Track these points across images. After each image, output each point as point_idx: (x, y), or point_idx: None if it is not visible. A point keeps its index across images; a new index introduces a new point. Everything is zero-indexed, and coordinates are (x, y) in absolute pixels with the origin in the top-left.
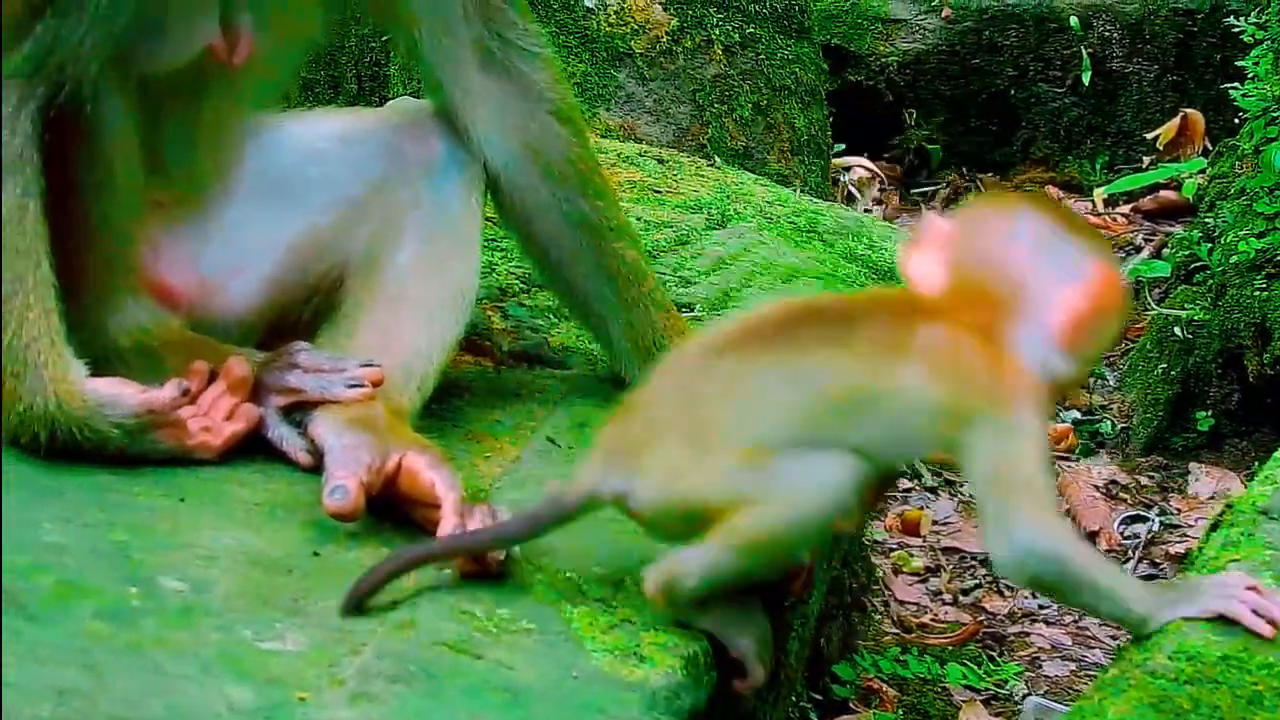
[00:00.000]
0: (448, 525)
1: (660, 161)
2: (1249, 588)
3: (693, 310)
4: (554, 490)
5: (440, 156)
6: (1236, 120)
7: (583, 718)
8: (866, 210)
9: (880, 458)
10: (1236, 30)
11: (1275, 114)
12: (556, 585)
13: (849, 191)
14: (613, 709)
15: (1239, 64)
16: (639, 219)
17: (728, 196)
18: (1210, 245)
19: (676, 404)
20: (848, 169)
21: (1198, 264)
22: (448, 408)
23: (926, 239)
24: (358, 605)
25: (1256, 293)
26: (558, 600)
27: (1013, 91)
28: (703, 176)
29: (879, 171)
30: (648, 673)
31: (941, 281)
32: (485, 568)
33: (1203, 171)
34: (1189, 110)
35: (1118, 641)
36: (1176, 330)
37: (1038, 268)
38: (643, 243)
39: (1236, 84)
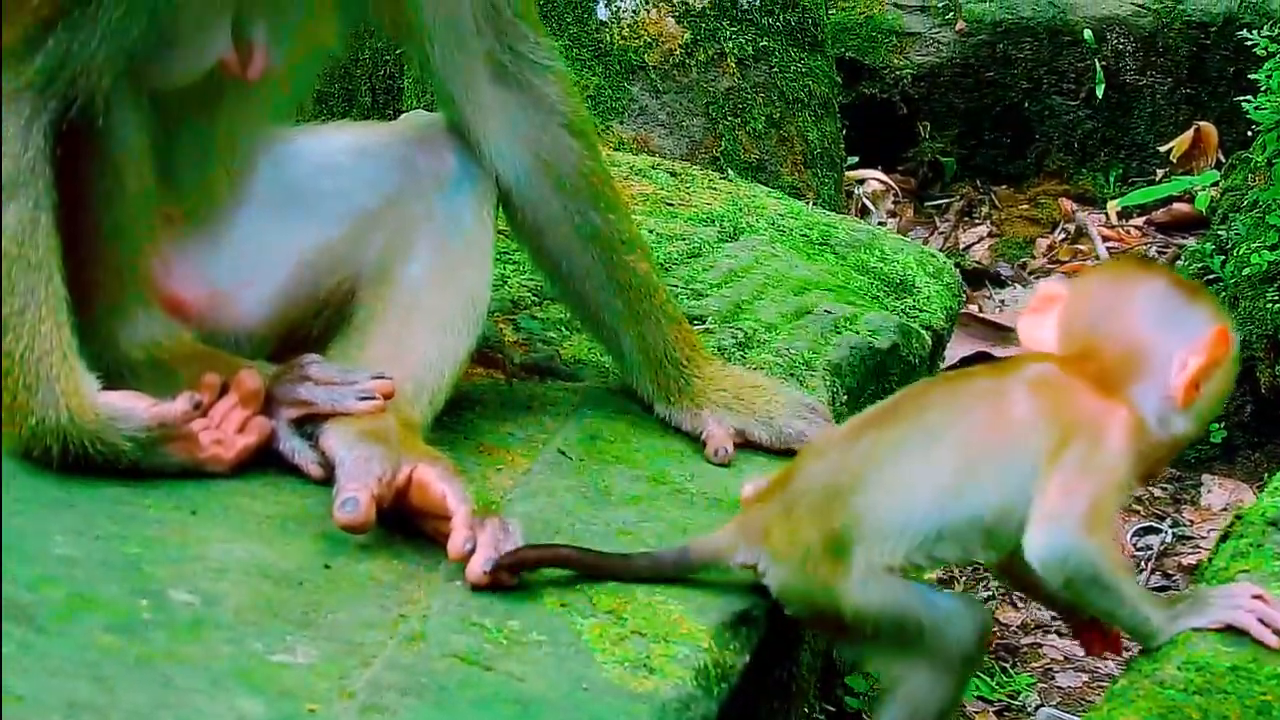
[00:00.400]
0: (458, 538)
1: (673, 174)
2: (1255, 597)
3: (704, 322)
4: (690, 544)
5: (453, 170)
6: (1249, 133)
7: None
8: (880, 223)
9: (1008, 526)
10: (1249, 44)
11: None
12: (567, 597)
13: (863, 204)
14: (623, 719)
15: (1252, 77)
16: (651, 231)
17: (740, 209)
18: (1223, 258)
19: (816, 487)
20: (861, 182)
21: (1210, 276)
22: (459, 420)
23: (1040, 303)
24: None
25: (1269, 305)
26: (568, 612)
27: (1026, 104)
28: (715, 189)
29: (893, 184)
30: (658, 684)
31: (1056, 343)
32: (497, 580)
33: (1216, 184)
34: (1202, 123)
35: (1129, 652)
36: None
37: (1156, 329)
38: (655, 255)
39: (1249, 97)
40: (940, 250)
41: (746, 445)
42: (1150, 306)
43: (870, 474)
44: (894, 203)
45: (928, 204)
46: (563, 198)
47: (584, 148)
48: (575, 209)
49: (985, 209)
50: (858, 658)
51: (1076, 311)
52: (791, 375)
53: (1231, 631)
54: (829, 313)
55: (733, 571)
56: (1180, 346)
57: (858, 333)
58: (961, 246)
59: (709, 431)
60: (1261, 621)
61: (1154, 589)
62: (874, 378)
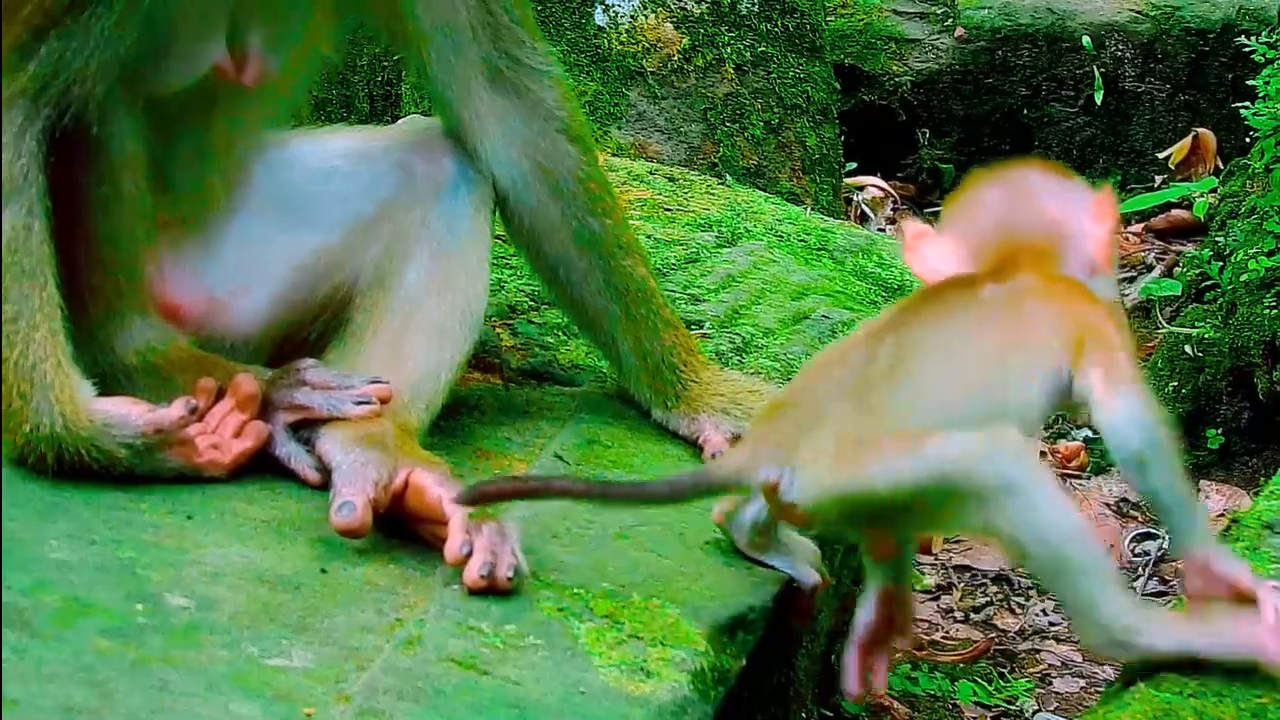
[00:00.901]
0: (455, 542)
1: (671, 180)
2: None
3: (702, 327)
4: (706, 466)
5: (450, 175)
6: (1248, 139)
7: None
8: (880, 229)
9: (1030, 418)
10: (1248, 50)
11: None
12: (564, 601)
13: (862, 211)
14: None
15: (1250, 83)
16: (649, 237)
17: (738, 214)
18: (1221, 264)
19: (828, 396)
20: (861, 188)
21: (1208, 282)
22: (456, 425)
23: (915, 240)
24: (474, 500)
25: (1267, 311)
26: (565, 616)
27: (1025, 111)
28: (713, 194)
29: (892, 191)
30: (655, 687)
31: (965, 263)
32: (494, 584)
33: (1214, 190)
34: (1200, 129)
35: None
36: (1187, 348)
37: (1060, 212)
38: (652, 261)
39: (1248, 103)
40: None
41: None
42: (1043, 195)
43: (900, 374)
44: (893, 209)
45: (927, 210)
46: (560, 203)
47: (581, 153)
48: (573, 214)
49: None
50: (906, 538)
51: (977, 227)
52: (789, 380)
53: None
54: (826, 317)
55: (752, 489)
56: (1085, 217)
57: None
58: None
59: (706, 436)
60: None
61: (1150, 594)
62: None
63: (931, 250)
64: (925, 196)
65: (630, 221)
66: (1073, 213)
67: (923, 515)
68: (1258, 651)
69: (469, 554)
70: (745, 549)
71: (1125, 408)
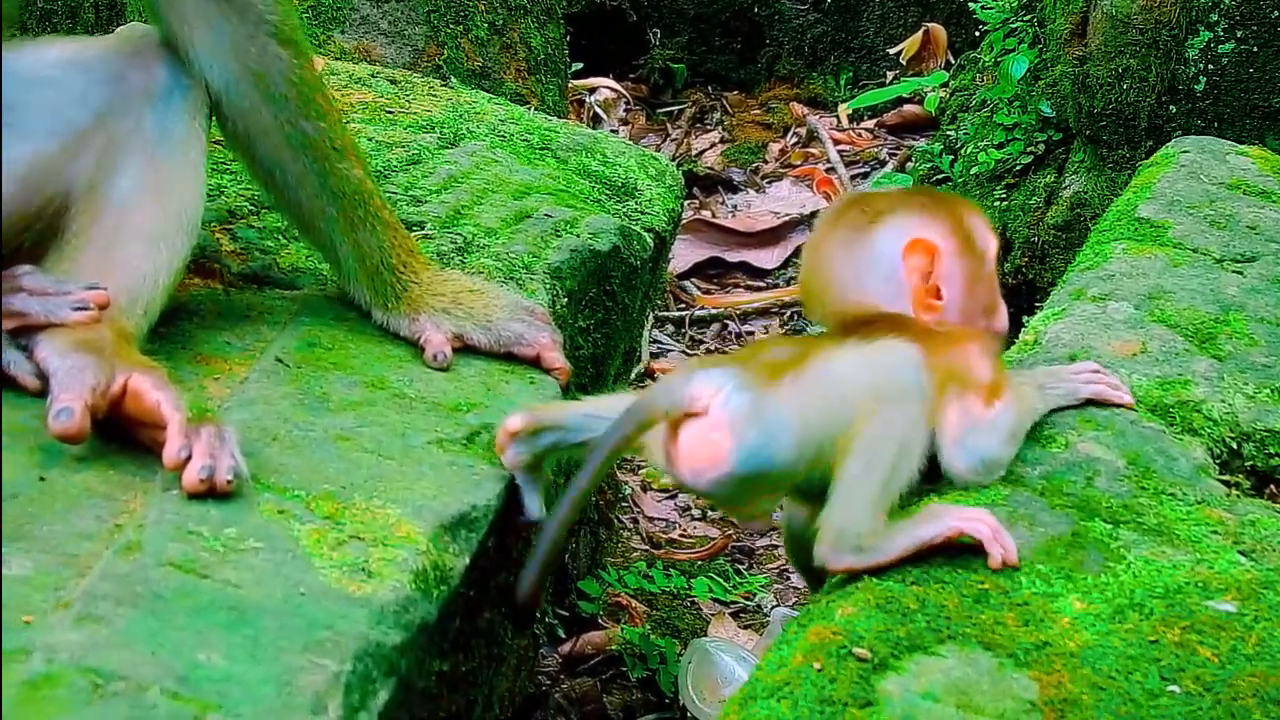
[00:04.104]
0: (173, 445)
1: (393, 82)
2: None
3: (424, 228)
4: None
5: (162, 83)
6: (977, 33)
7: (310, 633)
8: (613, 131)
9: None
10: None
11: (1014, 26)
12: (284, 504)
13: (594, 112)
14: (340, 624)
15: None
16: (370, 139)
17: (460, 115)
18: (952, 157)
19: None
20: (593, 90)
21: (940, 176)
22: (176, 331)
23: None
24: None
25: (997, 203)
26: (285, 518)
27: (756, 9)
28: (435, 96)
29: (624, 92)
30: (376, 587)
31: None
32: (213, 487)
33: (945, 85)
34: (931, 24)
35: None
36: None
37: (870, 277)
38: (374, 163)
39: None
40: (673, 157)
41: (465, 349)
42: (850, 258)
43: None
44: (626, 110)
45: (659, 111)
46: (272, 107)
47: (293, 56)
48: (285, 118)
49: (717, 115)
50: None
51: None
52: (511, 279)
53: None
54: (549, 216)
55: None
56: (895, 270)
57: (578, 236)
58: (694, 153)
59: (427, 336)
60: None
61: None
62: (595, 280)
63: None
64: (658, 96)
65: (348, 124)
66: (884, 268)
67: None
68: (967, 527)
69: (188, 458)
70: (514, 465)
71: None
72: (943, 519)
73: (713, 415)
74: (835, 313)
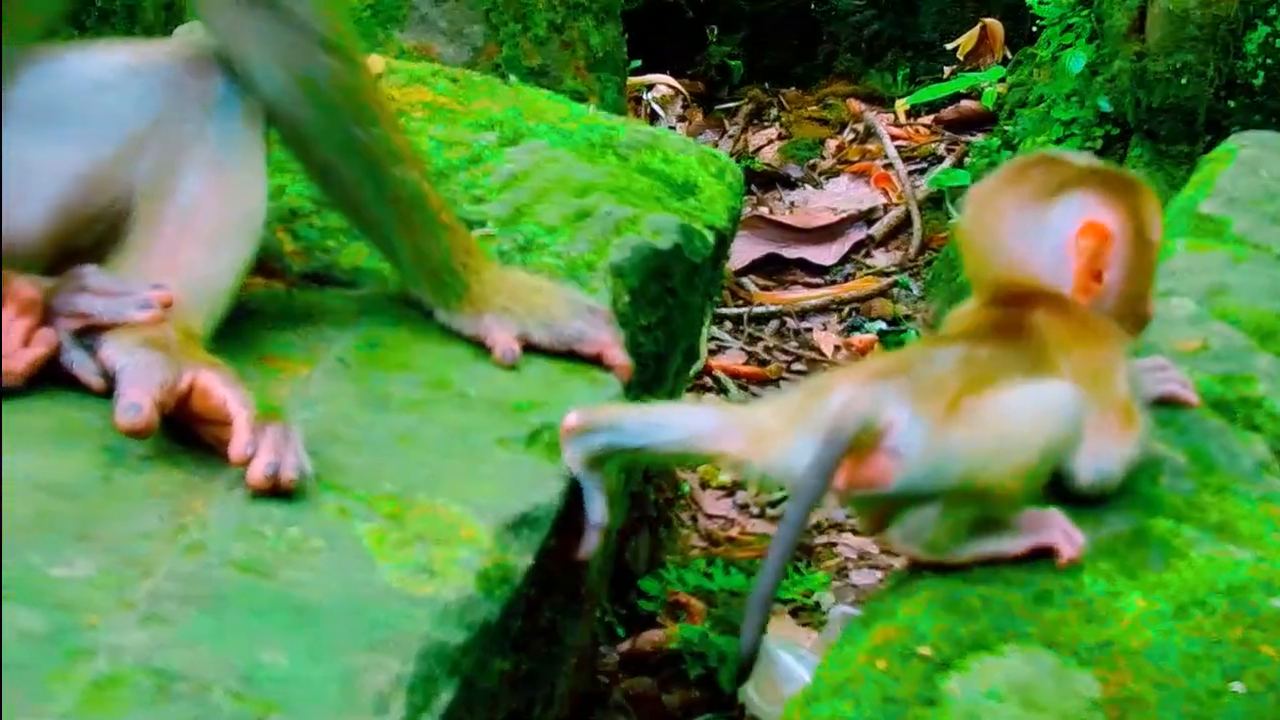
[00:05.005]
0: (240, 441)
1: (453, 80)
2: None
3: (485, 227)
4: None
5: (220, 89)
6: (1034, 29)
7: (373, 633)
8: (671, 127)
9: None
10: None
11: (1071, 21)
12: (347, 503)
13: (652, 109)
14: (403, 624)
15: None
16: (431, 138)
17: (521, 114)
18: (1010, 153)
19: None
20: (650, 87)
21: None
22: (239, 331)
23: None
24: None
25: None
26: (348, 518)
27: (813, 5)
28: (496, 95)
29: (681, 89)
30: (439, 587)
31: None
32: (278, 484)
33: (1002, 80)
34: (988, 20)
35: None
36: None
37: (1039, 245)
38: (434, 162)
39: None
40: (730, 153)
41: (527, 348)
42: (1022, 223)
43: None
44: (683, 107)
45: (717, 108)
46: (323, 115)
47: (340, 62)
48: (337, 125)
49: (774, 111)
50: None
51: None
52: (573, 277)
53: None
54: (610, 214)
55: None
56: (1066, 247)
57: (639, 234)
58: (751, 149)
59: (493, 336)
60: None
61: None
62: (656, 278)
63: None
64: (714, 93)
65: (408, 124)
66: (1058, 243)
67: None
68: (1051, 543)
69: (254, 454)
70: (573, 464)
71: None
72: (1022, 536)
73: (889, 443)
74: (992, 276)
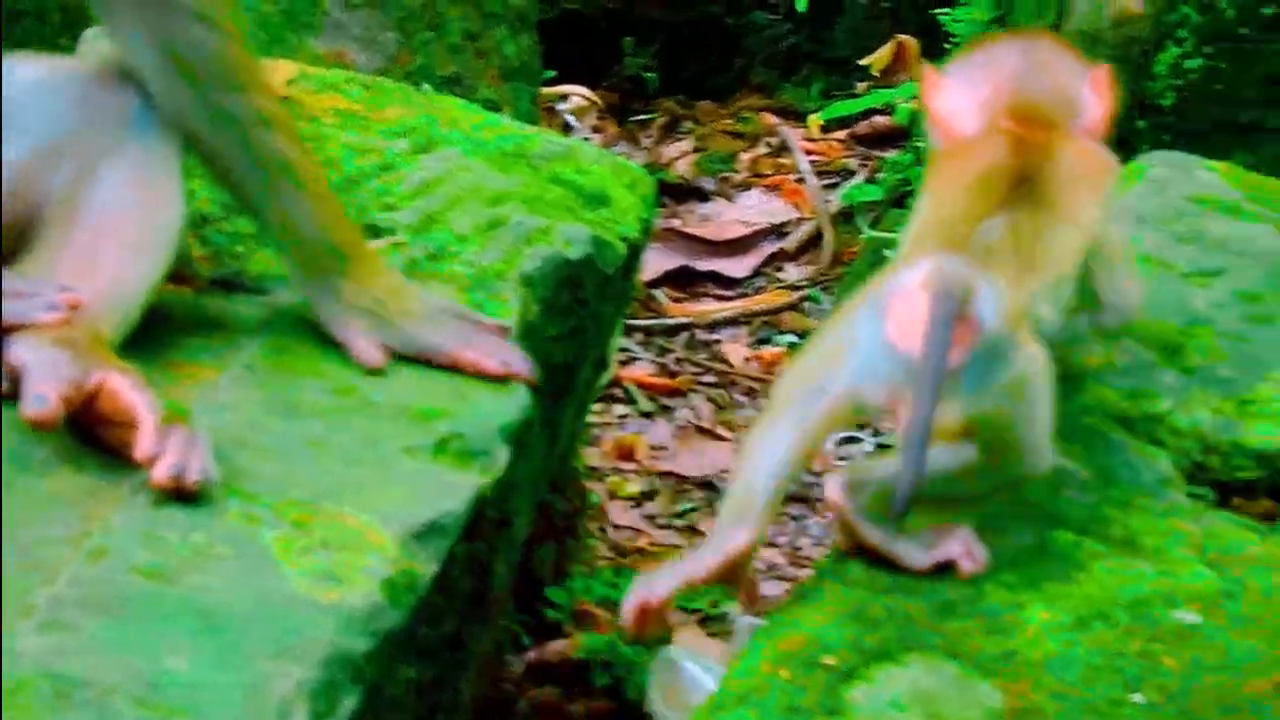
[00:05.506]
0: (146, 442)
1: (366, 88)
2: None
3: (395, 234)
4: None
5: (137, 103)
6: (948, 45)
7: (278, 640)
8: (585, 138)
9: None
10: None
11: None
12: (253, 509)
13: (566, 120)
14: (308, 631)
15: None
16: (343, 145)
17: (434, 122)
18: (921, 169)
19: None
20: (564, 97)
21: (909, 188)
22: (147, 336)
23: (936, 81)
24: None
25: None
26: (254, 524)
27: (729, 18)
28: (408, 102)
29: (596, 100)
30: (345, 594)
31: (974, 113)
32: (181, 485)
33: (915, 97)
34: (902, 36)
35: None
36: (888, 252)
37: (1071, 82)
38: (345, 169)
39: (947, 9)
40: (644, 165)
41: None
42: (1057, 64)
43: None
44: (597, 118)
45: (631, 119)
46: (193, 85)
47: (209, 32)
48: (208, 94)
49: (689, 123)
50: None
51: (992, 85)
52: (483, 286)
53: None
54: (522, 224)
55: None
56: (1087, 91)
57: (551, 244)
58: (665, 161)
59: (354, 340)
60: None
61: None
62: (567, 288)
63: (950, 96)
64: (629, 104)
65: (277, 96)
66: (1080, 84)
67: None
68: (953, 558)
69: (159, 456)
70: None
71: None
72: (927, 552)
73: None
74: (1004, 104)
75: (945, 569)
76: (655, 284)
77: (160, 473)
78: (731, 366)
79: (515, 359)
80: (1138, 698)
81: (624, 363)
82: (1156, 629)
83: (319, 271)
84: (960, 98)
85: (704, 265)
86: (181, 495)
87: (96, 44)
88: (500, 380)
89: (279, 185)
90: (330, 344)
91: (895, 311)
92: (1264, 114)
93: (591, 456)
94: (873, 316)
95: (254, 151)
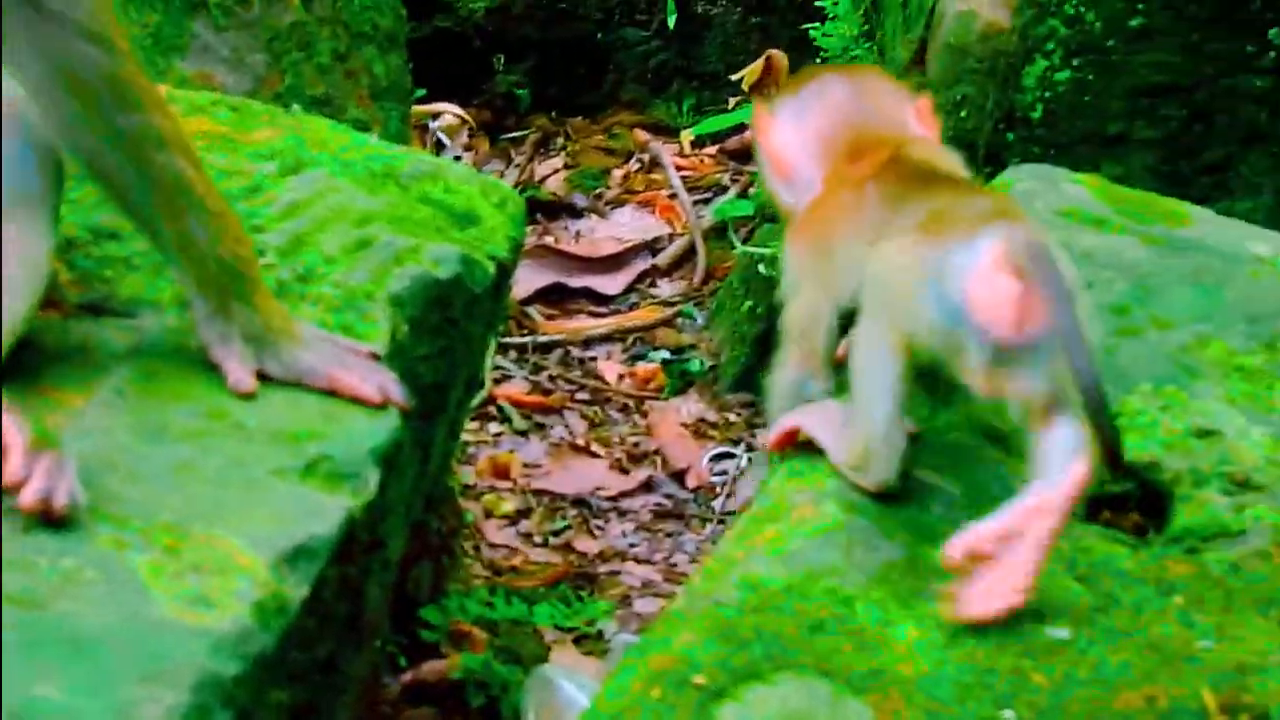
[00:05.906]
0: (13, 465)
1: (233, 109)
2: None
3: (264, 256)
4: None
5: (15, 146)
6: (819, 60)
7: (148, 664)
8: (457, 157)
9: None
10: None
11: (855, 53)
12: (123, 534)
13: (438, 138)
14: (178, 655)
15: (819, 4)
16: (211, 168)
17: (302, 143)
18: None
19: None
20: (436, 116)
21: None
22: (15, 361)
23: (767, 118)
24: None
25: None
26: (124, 549)
27: (600, 35)
28: (277, 124)
29: (467, 118)
30: (215, 618)
31: (811, 152)
32: (49, 509)
33: None
34: (773, 51)
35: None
36: (760, 268)
37: (898, 114)
38: (198, 154)
39: (817, 24)
40: (516, 183)
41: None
42: (884, 96)
43: None
44: (469, 136)
45: (503, 137)
46: (83, 103)
47: (101, 51)
48: (98, 113)
49: (561, 140)
50: None
51: (825, 121)
52: (352, 307)
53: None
54: (390, 244)
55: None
56: (913, 121)
57: (420, 264)
58: (537, 178)
59: (229, 364)
60: None
61: (728, 513)
62: (436, 308)
63: (781, 132)
64: (501, 122)
65: (172, 115)
66: (906, 114)
67: None
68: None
69: (26, 480)
70: None
71: None
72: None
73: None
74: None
75: (816, 583)
76: (529, 301)
77: (27, 496)
78: (606, 383)
79: (391, 385)
80: (1009, 714)
81: (498, 381)
82: (1027, 644)
83: (214, 291)
84: (791, 134)
85: (577, 282)
86: (49, 519)
87: None
88: (378, 407)
89: (176, 204)
90: (201, 367)
91: (976, 296)
92: (1131, 125)
93: (466, 475)
94: (940, 299)
95: (150, 171)
